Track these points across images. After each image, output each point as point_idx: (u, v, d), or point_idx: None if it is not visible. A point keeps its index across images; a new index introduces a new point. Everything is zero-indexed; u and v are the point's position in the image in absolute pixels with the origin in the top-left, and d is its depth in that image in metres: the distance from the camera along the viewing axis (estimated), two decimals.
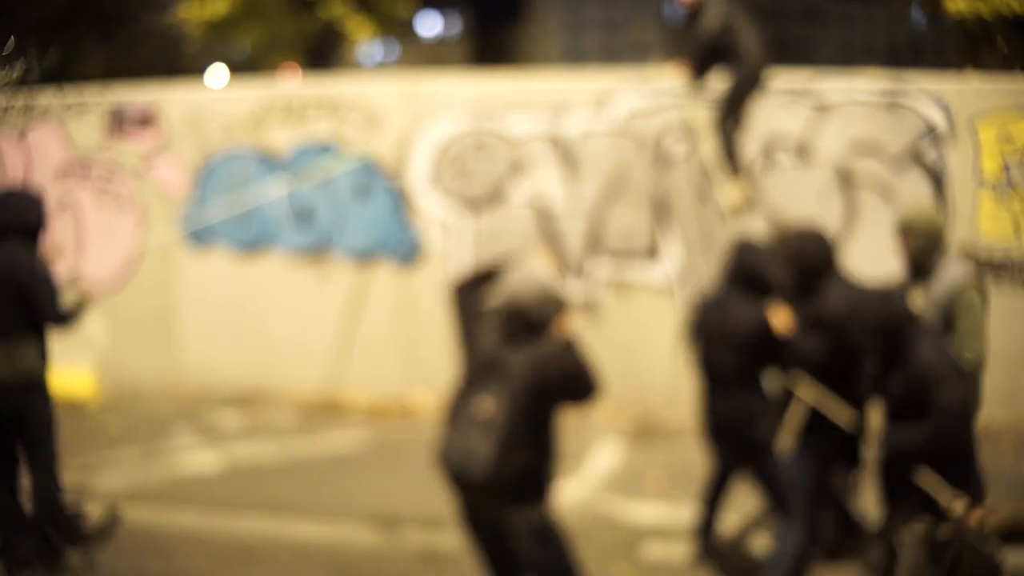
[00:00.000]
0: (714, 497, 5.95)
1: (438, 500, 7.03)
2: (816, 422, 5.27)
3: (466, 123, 8.97)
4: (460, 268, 8.96)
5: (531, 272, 4.61)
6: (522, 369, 4.41)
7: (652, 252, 8.71)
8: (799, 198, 8.44)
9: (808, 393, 5.25)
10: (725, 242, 8.49)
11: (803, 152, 8.48)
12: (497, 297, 4.61)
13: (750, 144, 8.41)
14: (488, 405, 4.42)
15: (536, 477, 4.55)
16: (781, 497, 5.39)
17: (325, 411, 9.13)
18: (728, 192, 8.25)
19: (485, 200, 8.98)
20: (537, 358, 4.43)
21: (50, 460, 5.62)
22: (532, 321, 4.51)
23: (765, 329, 5.33)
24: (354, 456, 8.03)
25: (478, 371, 4.54)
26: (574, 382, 4.49)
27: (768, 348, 5.35)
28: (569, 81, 9.06)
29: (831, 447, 5.31)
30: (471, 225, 9.01)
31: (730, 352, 5.43)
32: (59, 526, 5.69)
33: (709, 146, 8.29)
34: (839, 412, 5.20)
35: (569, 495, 7.04)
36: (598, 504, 6.94)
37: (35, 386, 5.56)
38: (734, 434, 5.51)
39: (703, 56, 8.01)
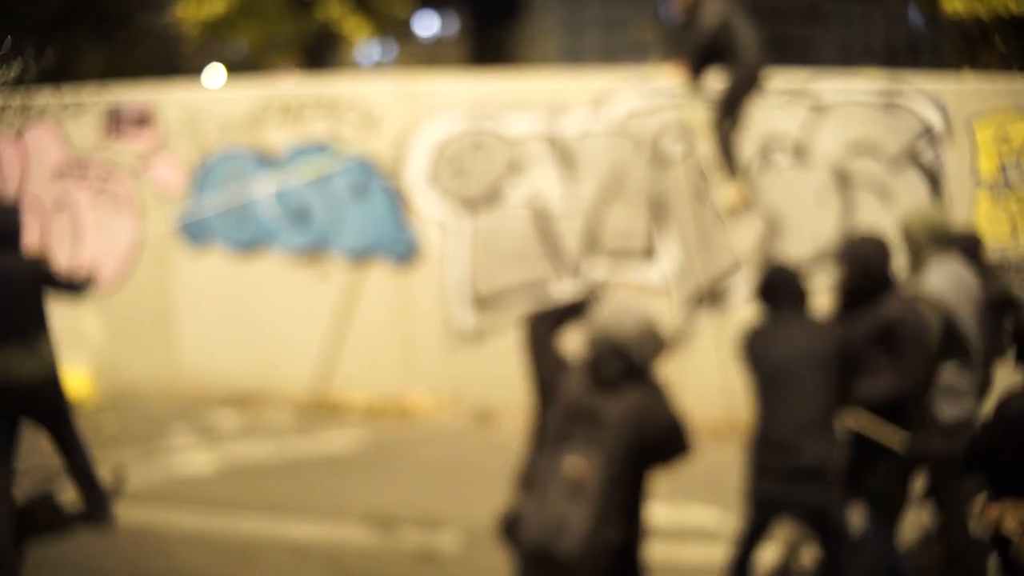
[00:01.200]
0: (750, 548, 5.22)
1: (435, 500, 7.09)
2: (865, 458, 4.97)
3: (463, 123, 8.96)
4: (456, 268, 9.02)
5: (627, 303, 3.98)
6: (619, 421, 3.79)
7: (649, 252, 8.72)
8: (796, 198, 8.45)
9: (860, 421, 4.93)
10: (726, 245, 8.58)
11: (800, 152, 8.48)
12: (586, 333, 3.99)
13: (747, 144, 8.42)
14: (579, 466, 3.79)
15: (632, 556, 3.94)
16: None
17: (322, 411, 9.14)
18: (725, 192, 8.26)
19: (482, 200, 8.98)
20: (636, 408, 3.81)
21: (79, 436, 6.37)
22: (630, 362, 3.87)
23: (840, 345, 4.90)
24: (351, 456, 8.03)
25: (562, 424, 3.87)
26: (673, 438, 3.88)
27: (849, 367, 4.91)
28: (567, 81, 9.07)
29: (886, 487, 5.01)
30: (468, 225, 9.00)
31: (809, 381, 4.88)
32: (99, 489, 6.47)
33: (706, 146, 8.31)
34: (891, 436, 4.94)
35: None
36: None
37: (57, 377, 6.18)
38: (807, 487, 4.88)
39: (700, 56, 8.01)
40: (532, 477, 3.91)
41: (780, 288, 5.08)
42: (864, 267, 5.05)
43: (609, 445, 3.76)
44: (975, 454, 4.06)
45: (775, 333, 4.97)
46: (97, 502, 6.43)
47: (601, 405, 3.81)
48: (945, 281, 5.27)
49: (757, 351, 5.00)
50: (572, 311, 4.25)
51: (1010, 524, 4.02)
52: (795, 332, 4.94)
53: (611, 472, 3.75)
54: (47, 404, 6.18)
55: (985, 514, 4.16)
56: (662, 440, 3.83)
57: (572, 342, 4.18)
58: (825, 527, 4.89)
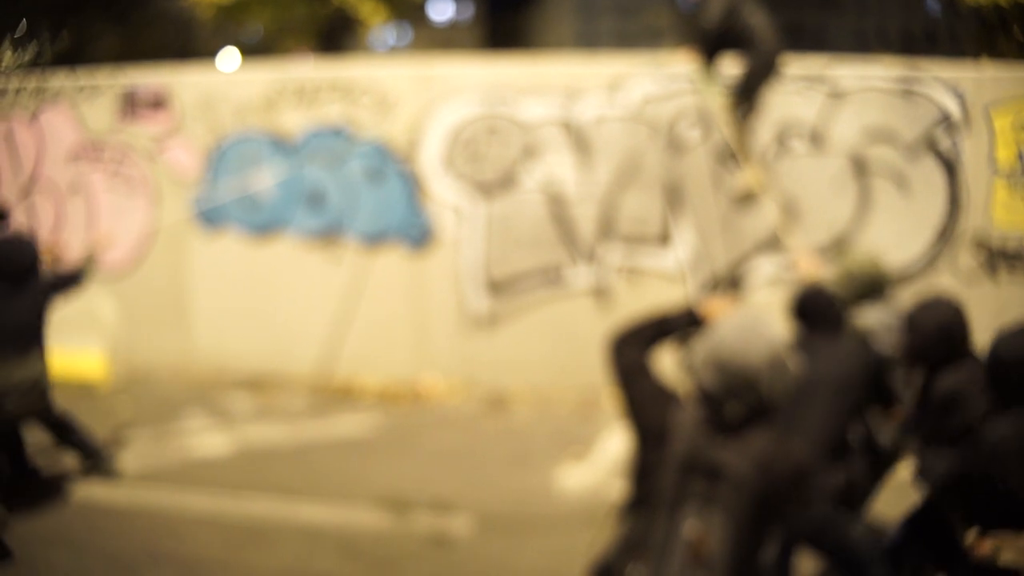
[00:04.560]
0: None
1: (448, 484, 7.10)
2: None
3: (478, 107, 8.96)
4: (471, 253, 9.03)
5: (752, 324, 3.34)
6: (746, 477, 3.22)
7: (664, 238, 8.71)
8: (812, 185, 8.44)
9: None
10: (743, 231, 8.58)
11: (817, 139, 8.46)
12: (700, 362, 3.35)
13: (763, 130, 8.40)
14: (696, 531, 3.26)
15: None
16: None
17: (335, 395, 9.17)
18: (739, 179, 8.24)
19: (497, 185, 8.97)
20: (763, 458, 3.23)
21: (65, 416, 7.02)
22: (758, 401, 3.28)
23: (867, 370, 4.75)
24: (364, 440, 8.06)
25: (678, 478, 3.31)
26: (801, 490, 3.30)
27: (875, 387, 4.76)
28: (582, 66, 9.03)
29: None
30: (483, 210, 9.00)
31: (828, 404, 4.73)
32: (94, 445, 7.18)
33: (722, 132, 8.28)
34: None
35: (578, 481, 7.11)
36: (608, 491, 6.94)
37: (45, 384, 6.74)
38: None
39: (711, 41, 7.97)
40: (640, 539, 3.35)
41: (814, 310, 5.01)
42: (940, 334, 4.65)
43: (735, 505, 3.21)
44: (953, 487, 3.96)
45: (803, 354, 4.69)
46: (96, 455, 7.14)
47: (723, 455, 3.24)
48: (881, 327, 5.41)
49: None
50: (672, 329, 3.67)
51: (1008, 556, 3.95)
52: (824, 355, 4.82)
53: (738, 536, 3.21)
54: (38, 406, 6.72)
55: (978, 549, 4.03)
56: (789, 494, 3.27)
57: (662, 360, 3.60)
58: (828, 548, 4.79)
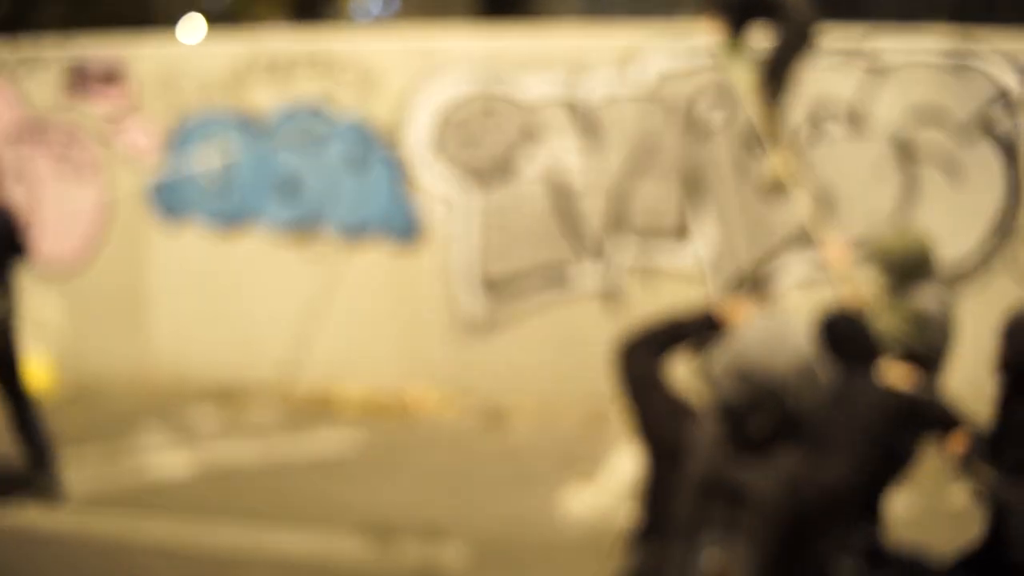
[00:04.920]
0: None
1: (438, 508, 7.06)
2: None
3: (472, 85, 8.97)
4: (464, 248, 9.07)
5: (778, 328, 3.33)
6: (771, 500, 3.17)
7: (682, 233, 8.75)
8: (850, 173, 8.45)
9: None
10: (771, 224, 8.62)
11: (856, 121, 8.48)
12: (716, 373, 3.34)
13: (795, 111, 8.40)
14: (717, 562, 3.22)
15: None
16: None
17: (312, 407, 9.19)
18: (767, 166, 8.25)
19: (493, 173, 9.00)
20: (792, 479, 3.19)
21: (29, 395, 7.16)
22: (785, 415, 3.25)
23: (902, 414, 4.59)
24: (345, 459, 8.07)
25: (696, 502, 3.27)
26: (836, 512, 3.27)
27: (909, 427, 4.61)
28: (590, 37, 9.03)
29: None
30: (478, 201, 9.04)
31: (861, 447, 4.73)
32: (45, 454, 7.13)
33: (749, 113, 8.27)
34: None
35: (584, 505, 7.12)
36: (617, 516, 6.93)
37: (10, 325, 6.97)
38: None
39: (737, 10, 7.96)
40: (653, 571, 3.30)
41: (842, 341, 4.60)
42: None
43: (760, 533, 3.15)
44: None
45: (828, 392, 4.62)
46: (44, 470, 7.06)
47: (746, 476, 3.19)
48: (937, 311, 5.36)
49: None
50: (688, 334, 3.65)
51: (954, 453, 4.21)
52: (849, 396, 4.70)
53: (764, 569, 3.15)
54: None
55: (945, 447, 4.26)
56: (823, 517, 3.21)
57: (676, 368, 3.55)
58: None
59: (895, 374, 4.67)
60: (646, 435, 3.44)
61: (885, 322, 5.47)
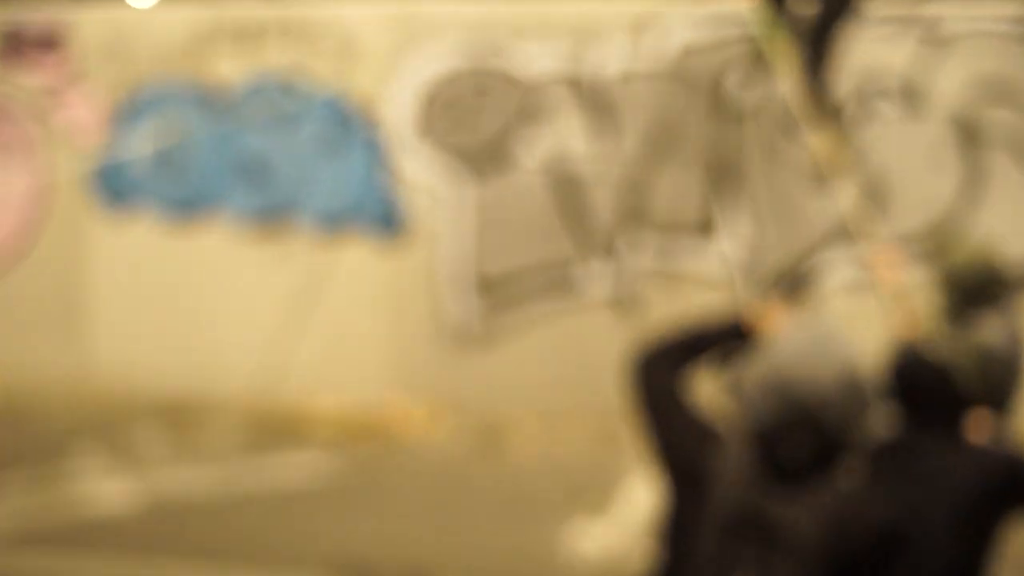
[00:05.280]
0: None
1: (425, 545, 7.10)
2: None
3: (463, 58, 9.00)
4: (456, 244, 9.07)
5: (818, 337, 3.30)
6: (811, 541, 3.15)
7: (707, 229, 8.76)
8: (905, 158, 8.44)
9: None
10: (806, 218, 8.59)
11: (911, 97, 8.47)
12: (747, 390, 3.31)
13: (841, 88, 8.34)
14: None
15: None
16: None
17: (281, 428, 9.17)
18: (815, 147, 8.21)
19: (489, 158, 9.01)
20: (835, 517, 3.17)
21: None
22: (826, 438, 3.21)
23: (993, 481, 4.35)
24: (318, 488, 8.08)
25: (722, 540, 3.25)
26: (887, 554, 3.30)
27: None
28: (599, 2, 9.03)
29: None
30: (471, 190, 9.06)
31: (942, 528, 4.32)
32: None
33: (787, 90, 8.25)
34: None
35: (594, 541, 7.05)
36: (632, 555, 6.87)
37: None
38: None
39: None
40: None
41: (918, 388, 4.46)
42: None
43: (796, 571, 3.15)
44: None
45: (902, 458, 4.30)
46: None
47: (782, 511, 3.16)
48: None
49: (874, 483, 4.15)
50: (713, 344, 3.59)
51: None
52: (931, 461, 4.33)
53: None
54: None
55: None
56: (870, 559, 3.20)
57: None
58: None
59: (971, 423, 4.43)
60: (666, 462, 3.42)
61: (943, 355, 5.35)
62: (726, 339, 3.54)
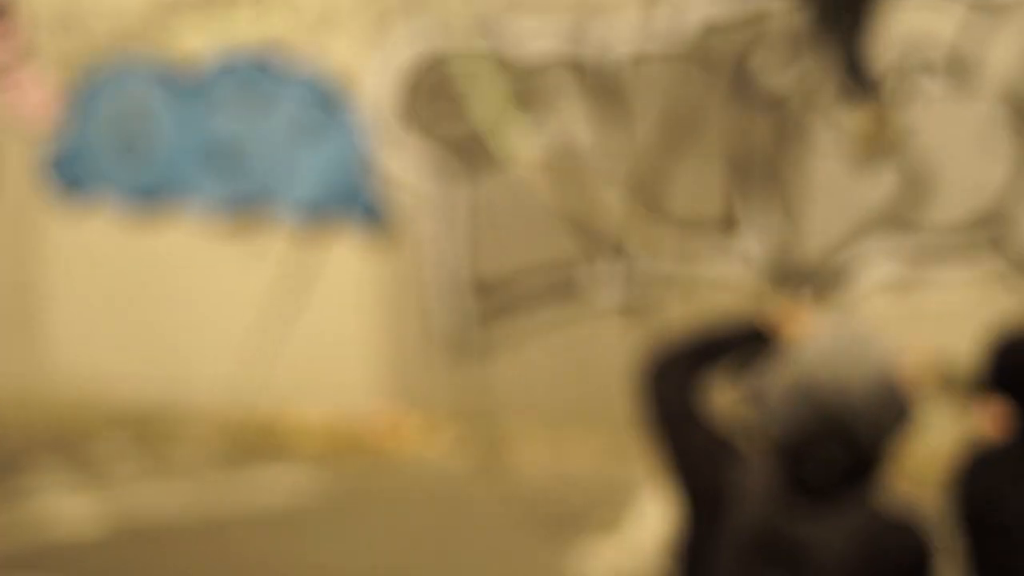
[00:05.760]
0: None
1: (421, 570, 7.18)
2: None
3: (450, 37, 9.04)
4: (450, 242, 9.16)
5: (849, 339, 3.36)
6: (838, 558, 3.17)
7: (729, 223, 8.78)
8: (952, 140, 8.45)
9: None
10: (844, 207, 8.72)
11: (958, 72, 8.48)
12: (770, 400, 3.35)
13: (878, 59, 8.43)
14: None
15: None
16: None
17: (260, 441, 9.39)
18: (854, 124, 8.36)
19: (480, 152, 9.02)
20: (867, 537, 3.18)
21: None
22: (858, 452, 3.24)
23: None
24: (301, 508, 8.25)
25: (745, 562, 3.30)
26: None
27: None
28: None
29: None
30: (465, 183, 9.10)
31: None
32: None
33: (817, 63, 8.42)
34: None
35: (604, 563, 7.31)
36: None
37: None
38: None
39: None
40: None
41: None
42: None
43: None
44: None
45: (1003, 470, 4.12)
46: None
47: (809, 531, 3.19)
48: None
49: (985, 494, 4.09)
50: (731, 350, 3.65)
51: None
52: None
53: None
54: None
55: None
56: None
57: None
58: None
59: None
60: (680, 480, 3.49)
61: None
62: (746, 344, 3.60)
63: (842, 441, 3.20)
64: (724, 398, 3.64)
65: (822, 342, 3.30)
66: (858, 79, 8.25)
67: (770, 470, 3.29)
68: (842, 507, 3.21)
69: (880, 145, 8.40)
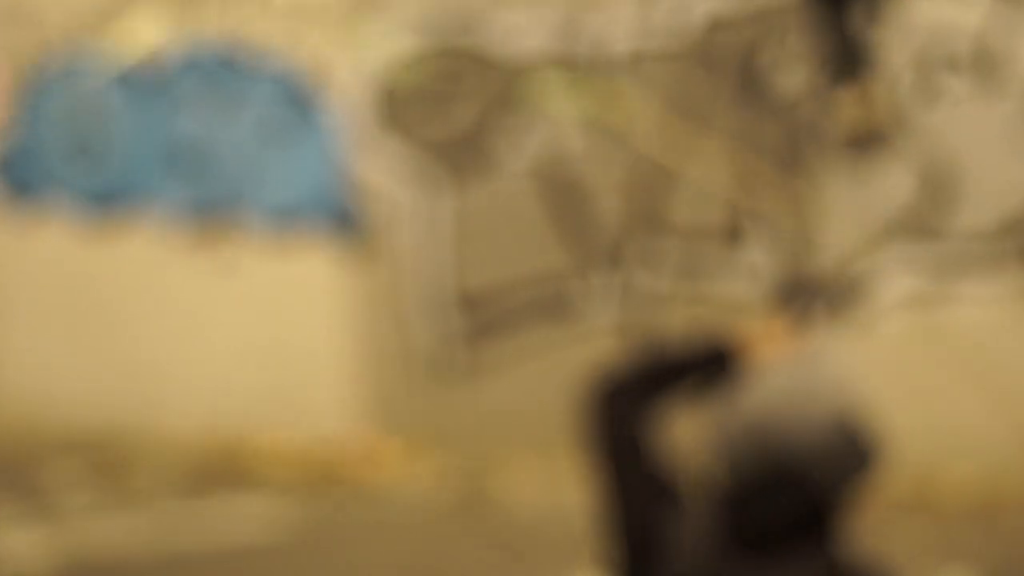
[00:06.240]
0: None
1: None
2: None
3: (430, 34, 9.12)
4: (433, 253, 9.24)
5: (805, 378, 3.25)
6: None
7: (735, 234, 8.86)
8: (977, 141, 8.50)
9: None
10: (859, 211, 8.67)
11: (983, 67, 8.54)
12: (720, 438, 3.21)
13: (893, 54, 8.53)
14: None
15: None
16: None
17: (223, 468, 9.30)
18: (843, 106, 8.42)
19: (465, 156, 9.12)
20: None
21: None
22: (811, 501, 3.13)
23: None
24: (270, 544, 8.16)
25: None
26: None
27: None
28: None
29: None
30: (450, 191, 9.18)
31: None
32: None
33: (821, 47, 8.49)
34: None
35: None
36: None
37: None
38: None
39: None
40: None
41: None
42: None
43: None
44: None
45: None
46: None
47: None
48: None
49: None
50: (689, 374, 3.47)
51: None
52: None
53: None
54: None
55: None
56: None
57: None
58: None
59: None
60: (615, 521, 3.31)
61: None
62: (708, 368, 3.42)
63: (793, 490, 3.03)
64: (684, 430, 3.54)
65: (777, 379, 3.15)
66: (846, 58, 8.31)
67: (717, 516, 3.09)
68: (792, 561, 3.06)
69: (869, 129, 8.45)
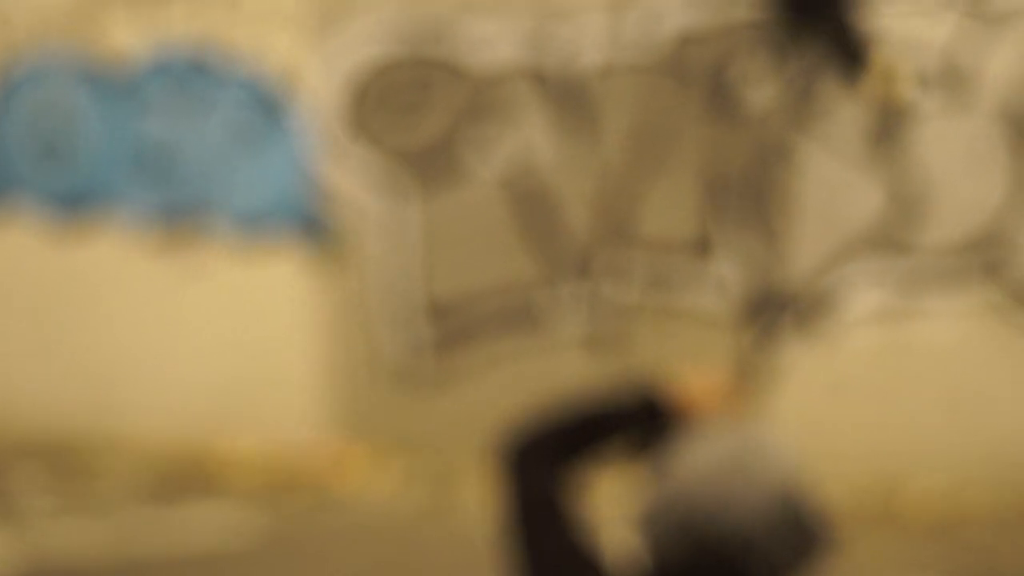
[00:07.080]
0: None
1: None
2: None
3: (399, 42, 9.15)
4: (401, 261, 9.30)
5: (750, 443, 2.95)
6: None
7: (704, 246, 8.88)
8: (946, 158, 8.57)
9: None
10: (828, 225, 8.72)
11: (954, 84, 8.58)
12: (647, 512, 2.95)
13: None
14: None
15: None
16: None
17: (188, 474, 9.31)
18: (865, 87, 8.49)
19: (434, 165, 9.17)
20: None
21: None
22: None
23: None
24: (234, 551, 8.17)
25: None
26: None
27: None
28: None
29: None
30: (417, 199, 9.23)
31: None
32: None
33: (803, 70, 8.55)
34: None
35: None
36: None
37: None
38: None
39: None
40: None
41: None
42: None
43: None
44: None
45: None
46: None
47: None
48: None
49: None
50: (615, 428, 3.09)
51: None
52: None
53: None
54: None
55: None
56: None
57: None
58: None
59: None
60: None
61: None
62: (635, 422, 3.07)
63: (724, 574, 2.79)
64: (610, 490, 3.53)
65: (712, 444, 2.79)
66: (853, 53, 8.41)
67: None
68: None
69: (897, 98, 8.52)
